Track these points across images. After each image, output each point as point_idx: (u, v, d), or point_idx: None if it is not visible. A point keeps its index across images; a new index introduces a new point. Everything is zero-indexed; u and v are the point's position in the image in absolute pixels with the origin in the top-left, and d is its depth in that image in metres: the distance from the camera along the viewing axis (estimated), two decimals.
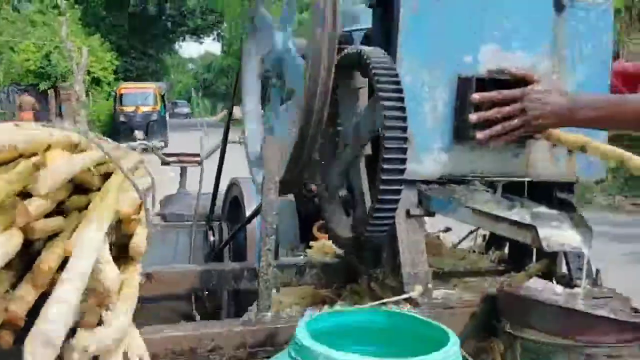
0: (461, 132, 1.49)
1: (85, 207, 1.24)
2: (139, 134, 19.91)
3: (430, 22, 1.45)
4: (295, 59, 1.60)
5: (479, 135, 1.43)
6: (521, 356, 1.17)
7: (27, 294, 0.99)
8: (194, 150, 3.75)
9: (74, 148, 1.35)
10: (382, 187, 1.33)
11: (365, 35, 1.73)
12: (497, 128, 1.41)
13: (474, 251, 1.90)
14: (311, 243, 2.19)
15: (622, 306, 1.43)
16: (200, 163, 3.21)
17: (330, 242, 2.09)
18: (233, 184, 2.74)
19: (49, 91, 16.85)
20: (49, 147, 1.18)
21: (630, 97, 1.40)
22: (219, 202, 2.79)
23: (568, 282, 1.56)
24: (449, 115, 1.49)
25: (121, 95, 18.25)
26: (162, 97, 19.19)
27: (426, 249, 1.77)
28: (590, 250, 1.31)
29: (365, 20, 1.99)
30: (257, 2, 1.98)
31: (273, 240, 1.34)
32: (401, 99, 1.32)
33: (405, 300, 1.39)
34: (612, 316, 1.17)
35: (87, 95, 17.19)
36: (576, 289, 1.46)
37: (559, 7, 1.54)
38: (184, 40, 35.73)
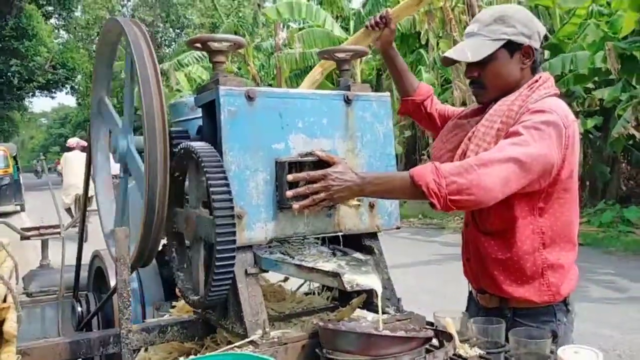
0: (282, 204, 1.88)
1: None
2: None
3: (246, 122, 1.84)
4: (136, 161, 1.91)
5: (295, 206, 1.82)
6: None
7: None
8: (53, 214, 3.83)
9: None
10: (218, 256, 1.68)
11: (199, 129, 2.09)
12: (307, 201, 1.81)
13: (313, 293, 2.29)
14: (174, 303, 2.46)
15: (418, 324, 1.88)
16: (62, 234, 3.31)
17: None
18: (96, 256, 2.92)
19: None
20: None
21: (396, 174, 1.89)
22: (84, 272, 2.95)
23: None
24: (272, 191, 1.88)
25: None
26: (14, 158, 18.07)
27: (270, 296, 2.15)
28: (380, 286, 1.73)
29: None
30: (98, 91, 2.25)
31: (130, 311, 1.62)
32: (227, 185, 1.70)
33: (249, 342, 1.73)
34: (392, 334, 1.59)
35: None
36: (384, 315, 1.89)
37: (347, 100, 2.01)
38: (33, 95, 34.00)
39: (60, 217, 3.16)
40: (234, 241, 1.70)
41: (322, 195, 1.82)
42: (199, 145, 1.78)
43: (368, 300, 2.10)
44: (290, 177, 1.83)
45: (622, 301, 6.94)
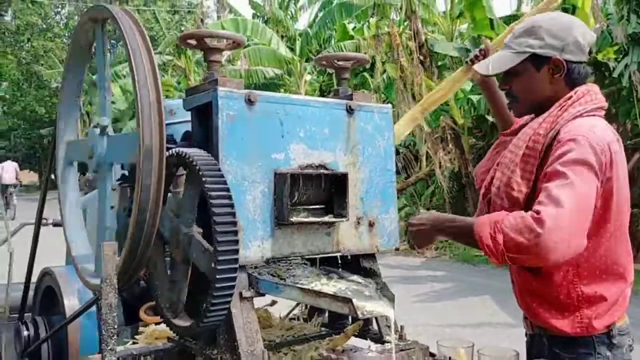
0: (281, 220, 1.70)
1: None
2: None
3: (245, 128, 1.67)
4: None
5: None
6: None
7: None
8: None
9: None
10: (219, 276, 1.48)
11: (187, 134, 1.88)
12: None
13: (299, 319, 2.11)
14: (140, 329, 2.21)
15: (422, 354, 1.74)
16: (9, 249, 2.97)
17: (159, 326, 2.15)
18: (46, 273, 2.62)
19: None
20: None
21: (467, 221, 1.78)
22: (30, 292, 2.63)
23: (379, 339, 1.84)
24: (269, 205, 1.70)
25: None
26: None
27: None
28: (394, 312, 1.58)
29: (182, 113, 2.14)
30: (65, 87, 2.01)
31: (114, 340, 1.39)
32: (229, 197, 1.50)
33: None
34: None
35: None
36: (386, 344, 1.73)
37: (349, 111, 1.87)
38: None
39: (8, 231, 2.83)
40: (235, 269, 1.51)
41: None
42: (195, 153, 1.58)
43: (362, 328, 1.94)
44: None
45: None
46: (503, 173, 1.83)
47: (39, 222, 2.32)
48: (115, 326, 1.39)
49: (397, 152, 12.64)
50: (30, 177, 32.46)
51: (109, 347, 1.36)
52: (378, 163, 1.94)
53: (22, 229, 3.34)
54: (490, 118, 11.72)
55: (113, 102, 20.78)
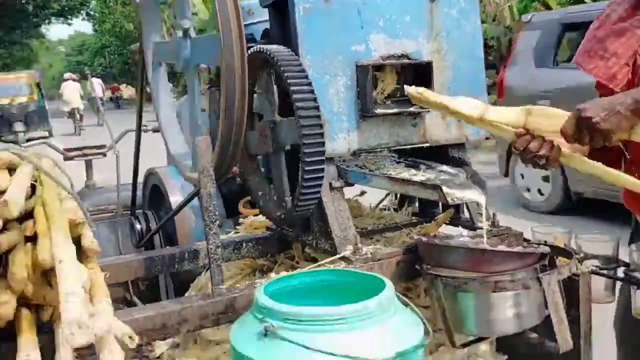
0: (365, 112, 1.71)
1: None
2: (18, 126, 18.42)
3: (323, 20, 1.65)
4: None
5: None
6: (442, 290, 1.42)
7: (6, 299, 1.09)
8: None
9: (7, 165, 1.43)
10: (306, 167, 1.53)
11: (265, 32, 1.88)
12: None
13: (389, 209, 2.16)
14: (240, 220, 2.35)
15: (516, 240, 1.74)
16: (115, 153, 3.18)
17: (258, 217, 2.27)
18: (150, 174, 2.81)
19: None
20: None
21: None
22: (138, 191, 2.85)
23: (471, 225, 1.85)
24: (353, 97, 1.70)
25: None
26: (37, 85, 17.97)
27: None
28: (486, 198, 1.58)
29: (260, 12, 2.14)
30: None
31: (216, 224, 1.49)
32: (312, 91, 1.53)
33: (340, 259, 1.61)
34: (509, 249, 1.45)
35: None
36: (479, 231, 1.75)
37: None
38: (49, 22, 33.42)
39: (112, 136, 3.03)
40: (322, 152, 1.54)
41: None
42: (274, 49, 1.59)
43: (454, 216, 1.96)
44: (519, 143, 1.43)
45: None
46: None
47: (139, 128, 2.46)
48: (216, 213, 1.49)
49: (487, 46, 11.94)
50: (127, 91, 33.98)
51: (212, 232, 1.47)
52: (465, 49, 1.86)
53: (126, 135, 3.55)
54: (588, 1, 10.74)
55: (195, 14, 20.94)
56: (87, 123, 19.41)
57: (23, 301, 1.14)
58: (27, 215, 1.30)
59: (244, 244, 1.96)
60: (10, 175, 1.35)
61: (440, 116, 1.84)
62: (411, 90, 1.51)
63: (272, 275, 1.65)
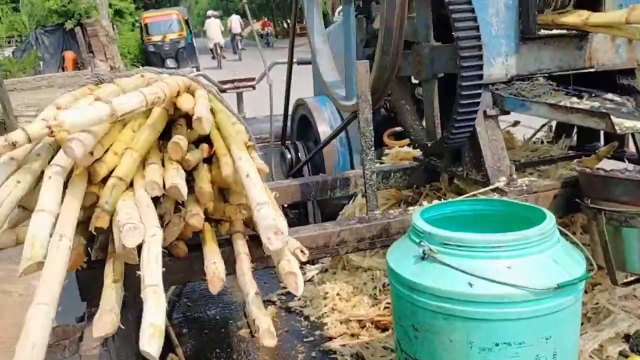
0: (526, 33, 1.61)
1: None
2: (170, 62, 19.53)
3: None
4: None
5: None
6: (606, 225, 1.35)
7: (197, 210, 1.21)
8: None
9: (187, 89, 1.54)
10: (463, 93, 1.50)
11: None
12: None
13: (543, 142, 2.06)
14: (386, 151, 2.37)
15: None
16: (269, 83, 3.30)
17: (403, 148, 2.28)
18: (299, 104, 2.89)
19: (75, 29, 17.00)
20: (178, 93, 1.38)
21: None
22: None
23: (638, 159, 1.72)
24: (513, 18, 1.61)
25: (146, 25, 18.05)
26: (186, 21, 18.94)
27: None
28: None
29: None
30: None
31: (373, 151, 1.52)
32: (472, 12, 1.46)
33: (493, 190, 1.58)
34: None
35: (113, 28, 17.12)
36: None
37: None
38: None
39: (265, 67, 3.14)
40: (480, 77, 1.50)
41: None
42: None
43: (617, 149, 1.83)
44: None
45: None
46: None
47: (291, 59, 2.53)
48: (372, 139, 1.52)
49: None
50: (266, 26, 34.81)
51: (368, 157, 1.50)
52: None
53: (273, 67, 3.66)
54: None
55: None
56: (228, 59, 20.33)
57: (205, 216, 1.24)
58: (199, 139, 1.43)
59: (392, 174, 1.99)
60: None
61: (609, 38, 1.69)
62: None
63: (424, 203, 1.67)
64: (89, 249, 1.20)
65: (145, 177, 1.14)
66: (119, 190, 1.10)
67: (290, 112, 2.95)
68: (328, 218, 2.41)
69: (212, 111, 1.67)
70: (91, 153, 1.10)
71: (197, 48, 19.29)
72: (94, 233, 1.09)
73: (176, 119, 1.44)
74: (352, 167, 2.54)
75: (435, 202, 1.53)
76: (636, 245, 1.34)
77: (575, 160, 1.86)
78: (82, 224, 1.09)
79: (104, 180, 1.13)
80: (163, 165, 1.25)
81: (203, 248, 1.19)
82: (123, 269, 1.07)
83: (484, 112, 1.65)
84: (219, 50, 19.83)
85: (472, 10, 1.47)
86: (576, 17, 1.53)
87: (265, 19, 27.86)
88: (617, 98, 1.68)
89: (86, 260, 1.10)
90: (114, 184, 1.10)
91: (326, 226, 1.47)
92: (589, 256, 1.19)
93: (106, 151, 1.17)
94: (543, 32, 1.62)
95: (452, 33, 1.48)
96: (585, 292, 1.66)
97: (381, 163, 2.31)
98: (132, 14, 21.40)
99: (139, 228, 0.97)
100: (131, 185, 1.16)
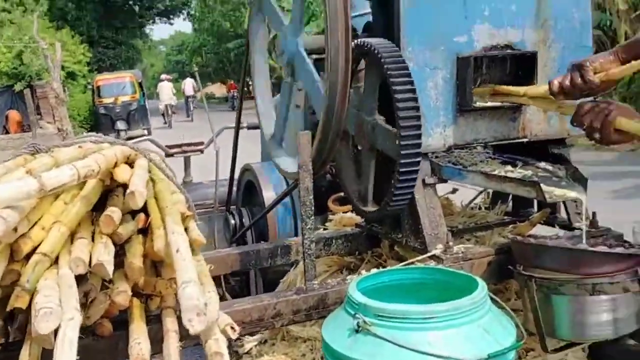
0: (463, 106, 1.68)
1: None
2: (121, 124, 19.48)
3: (427, 11, 1.62)
4: (306, 64, 1.75)
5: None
6: (536, 292, 1.37)
7: (125, 288, 1.17)
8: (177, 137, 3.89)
9: (127, 159, 1.53)
10: (402, 161, 1.53)
11: (367, 26, 1.89)
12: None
13: (481, 208, 2.11)
14: (330, 217, 2.38)
15: (616, 241, 1.65)
16: (215, 150, 3.30)
17: (347, 214, 2.30)
18: (246, 170, 2.90)
19: (24, 91, 16.80)
20: (116, 164, 1.36)
21: None
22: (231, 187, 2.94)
23: (568, 225, 1.78)
24: (451, 91, 1.68)
25: (99, 87, 18.00)
26: (140, 84, 19.00)
27: None
28: (585, 197, 1.51)
29: (362, 5, 2.15)
30: None
31: (312, 220, 1.52)
32: (411, 82, 1.52)
33: (430, 257, 1.60)
34: (609, 251, 1.38)
35: (64, 90, 16.99)
36: (576, 231, 1.68)
37: None
38: (154, 23, 35.24)
39: (213, 132, 3.15)
40: (418, 153, 1.54)
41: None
42: (376, 41, 1.60)
43: (550, 215, 1.89)
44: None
45: None
46: None
47: (238, 123, 2.55)
48: (313, 208, 1.52)
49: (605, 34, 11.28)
50: (221, 89, 35.17)
51: (307, 227, 1.50)
52: (572, 39, 1.77)
53: (223, 133, 3.68)
54: None
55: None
56: (181, 119, 21.51)
57: (134, 291, 1.21)
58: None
59: (334, 241, 2.00)
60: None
61: (542, 110, 1.77)
62: None
63: (363, 272, 1.67)
64: (8, 327, 1.14)
65: (72, 253, 1.11)
66: (42, 268, 1.06)
67: (237, 177, 2.95)
68: (270, 285, 2.38)
69: (152, 180, 1.65)
70: (15, 229, 1.06)
71: (150, 110, 19.30)
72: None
73: (113, 188, 1.42)
74: (297, 234, 2.53)
75: (374, 270, 1.54)
76: (565, 312, 1.37)
77: (510, 226, 1.91)
78: (1, 302, 1.05)
79: (28, 255, 1.09)
80: (94, 238, 1.22)
81: (129, 326, 1.14)
82: (40, 352, 1.01)
83: (423, 180, 1.68)
84: (169, 111, 21.49)
85: (412, 83, 1.53)
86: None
87: (232, 82, 28.27)
88: (549, 167, 1.75)
89: (3, 342, 1.05)
90: (38, 261, 1.06)
91: (262, 298, 1.44)
92: (518, 324, 1.20)
93: (33, 225, 1.14)
94: (479, 104, 1.68)
95: (393, 104, 1.52)
96: (520, 358, 1.67)
97: (325, 229, 2.32)
98: (85, 77, 21.34)
99: (56, 312, 0.93)
100: (57, 261, 1.12)
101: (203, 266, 1.32)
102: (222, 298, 2.67)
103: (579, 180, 1.59)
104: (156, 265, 1.34)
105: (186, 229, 1.47)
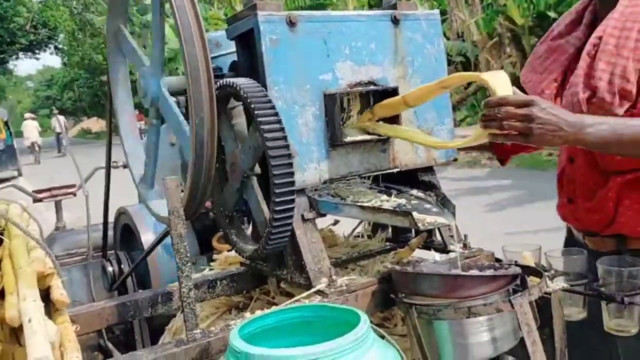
0: (334, 141, 1.71)
1: None
2: None
3: (289, 51, 1.64)
4: (170, 106, 1.71)
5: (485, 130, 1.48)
6: (417, 319, 1.41)
7: None
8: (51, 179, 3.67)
9: None
10: (277, 199, 1.52)
11: (233, 64, 1.88)
12: (498, 130, 1.44)
13: (363, 236, 2.16)
14: (214, 257, 2.32)
15: (488, 261, 1.75)
16: (84, 194, 3.12)
17: (232, 253, 2.25)
18: (121, 213, 2.77)
19: None
20: None
21: (632, 122, 1.46)
22: (109, 231, 2.79)
23: (444, 249, 1.86)
24: (322, 127, 1.70)
25: None
26: (6, 123, 17.71)
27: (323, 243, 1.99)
28: (455, 222, 1.59)
29: (228, 45, 2.13)
30: (113, 19, 1.99)
31: (189, 267, 1.47)
32: (279, 121, 1.52)
33: (315, 292, 1.59)
34: (480, 274, 1.45)
35: None
36: (451, 254, 1.75)
37: (394, 21, 1.81)
38: (17, 58, 33.19)
39: (80, 176, 2.97)
40: (292, 184, 1.54)
41: (520, 133, 1.43)
42: (241, 81, 1.59)
43: (426, 240, 1.97)
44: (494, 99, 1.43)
45: None
46: (611, 63, 1.57)
47: (109, 164, 2.42)
48: (188, 255, 1.46)
49: (450, 63, 12.18)
50: (98, 124, 33.71)
51: (184, 274, 1.44)
52: (429, 73, 1.88)
53: (95, 173, 3.49)
54: (552, 14, 11.06)
55: (166, 42, 20.88)
56: (52, 156, 22.86)
57: None
58: None
59: (218, 282, 1.94)
60: None
61: (410, 142, 1.85)
62: None
63: (247, 314, 1.63)
64: None
65: None
66: None
67: (112, 221, 2.80)
68: (157, 331, 2.26)
69: (8, 237, 1.52)
70: None
71: (19, 149, 18.04)
72: None
73: None
74: None
75: (258, 312, 1.50)
76: (448, 337, 1.42)
77: (392, 253, 1.96)
78: None
79: None
80: None
81: None
82: None
83: (302, 215, 1.68)
84: (36, 148, 22.87)
85: (280, 122, 1.52)
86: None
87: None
88: (420, 194, 1.82)
89: None
90: None
91: (137, 356, 1.36)
92: (402, 355, 1.22)
93: None
94: (349, 138, 1.72)
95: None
96: None
97: (211, 269, 2.26)
98: None
99: None
100: None
101: (67, 329, 1.22)
102: (104, 351, 2.52)
103: (448, 206, 1.67)
104: (17, 331, 1.22)
105: (48, 289, 1.37)
